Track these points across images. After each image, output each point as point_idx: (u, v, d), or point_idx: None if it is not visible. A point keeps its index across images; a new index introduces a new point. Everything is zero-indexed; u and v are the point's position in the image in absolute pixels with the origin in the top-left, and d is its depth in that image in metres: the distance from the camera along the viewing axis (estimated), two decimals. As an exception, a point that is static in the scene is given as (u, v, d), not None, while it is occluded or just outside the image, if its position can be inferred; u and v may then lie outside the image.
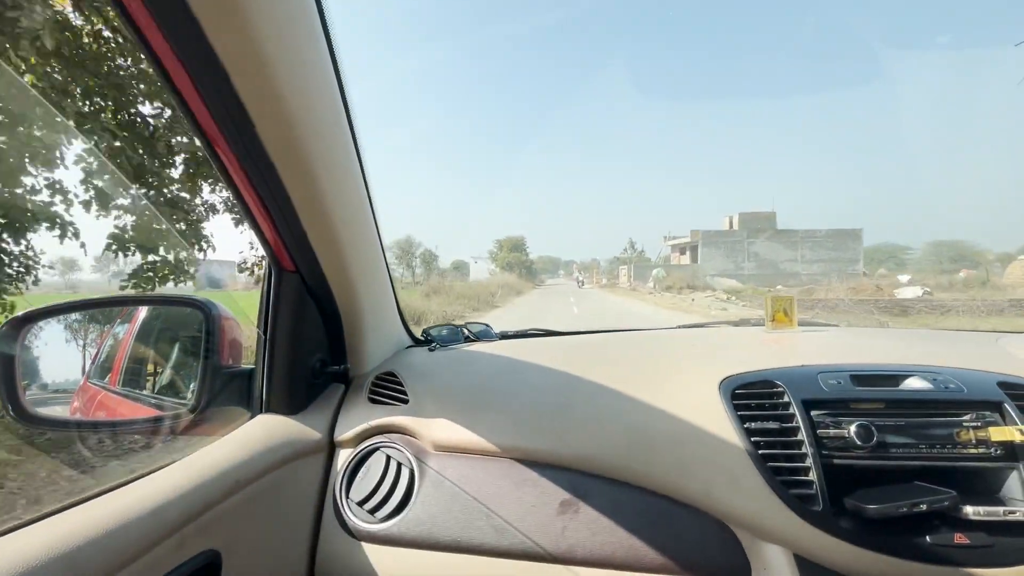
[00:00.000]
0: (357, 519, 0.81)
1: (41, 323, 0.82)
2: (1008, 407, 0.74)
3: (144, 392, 1.06)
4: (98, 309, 1.03)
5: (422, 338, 1.21)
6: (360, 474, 0.85)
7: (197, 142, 0.64)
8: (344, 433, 0.90)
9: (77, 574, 0.51)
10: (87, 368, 1.14)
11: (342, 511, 0.82)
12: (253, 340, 0.92)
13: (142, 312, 1.07)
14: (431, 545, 0.76)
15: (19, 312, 0.79)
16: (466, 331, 1.22)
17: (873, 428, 0.72)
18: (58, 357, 0.95)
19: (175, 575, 0.62)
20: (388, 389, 0.96)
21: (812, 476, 0.70)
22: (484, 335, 1.23)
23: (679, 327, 1.38)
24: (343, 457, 0.88)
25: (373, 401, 0.94)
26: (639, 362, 0.97)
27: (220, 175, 0.68)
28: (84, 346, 1.09)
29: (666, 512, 0.74)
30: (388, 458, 0.85)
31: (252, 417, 0.89)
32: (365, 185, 0.86)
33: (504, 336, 1.27)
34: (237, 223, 3.95)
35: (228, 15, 0.50)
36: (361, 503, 0.81)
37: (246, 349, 0.96)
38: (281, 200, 0.71)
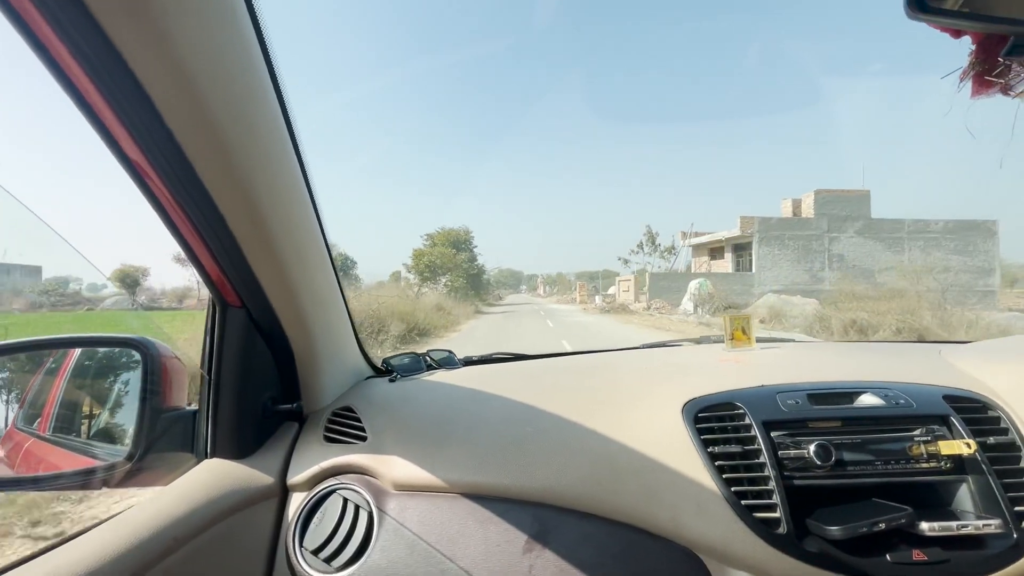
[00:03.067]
0: (311, 569, 0.75)
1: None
2: (954, 420, 0.77)
3: (77, 439, 0.97)
4: (25, 352, 0.94)
5: (382, 368, 1.17)
6: (315, 520, 0.80)
7: (128, 176, 0.59)
8: (297, 476, 0.85)
9: None
10: (13, 414, 1.05)
11: (294, 562, 0.77)
12: (198, 379, 0.86)
13: (76, 352, 0.99)
14: None
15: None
16: (428, 359, 1.19)
17: (831, 447, 0.73)
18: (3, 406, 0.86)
19: None
20: (345, 426, 0.91)
21: (775, 499, 0.70)
22: (447, 363, 1.20)
23: (643, 347, 1.39)
24: (297, 502, 0.83)
25: (329, 439, 0.89)
26: (604, 387, 0.96)
27: (154, 209, 0.64)
28: (9, 391, 1.00)
29: (634, 543, 0.72)
30: (345, 501, 0.80)
31: (197, 463, 0.83)
32: (315, 211, 0.82)
33: (468, 362, 1.25)
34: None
35: (152, 46, 0.47)
36: (316, 551, 0.76)
37: (191, 389, 0.90)
38: (222, 234, 0.67)
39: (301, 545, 0.78)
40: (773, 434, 0.76)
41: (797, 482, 0.73)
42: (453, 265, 32.01)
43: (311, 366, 0.92)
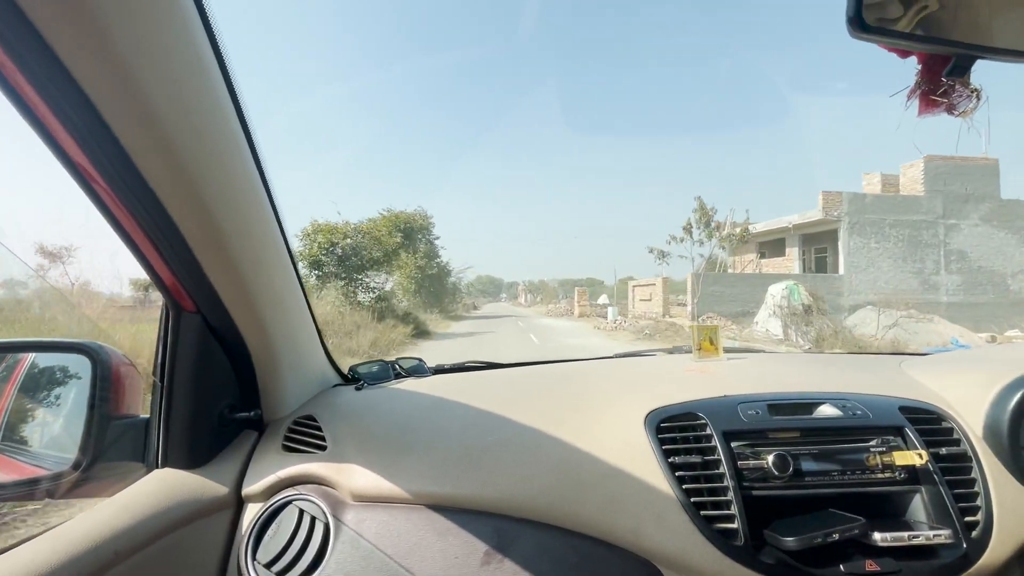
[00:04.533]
0: None
1: None
2: (908, 431, 0.78)
3: (25, 448, 0.94)
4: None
5: (349, 376, 1.15)
6: (270, 532, 0.78)
7: (70, 177, 0.58)
8: (252, 486, 0.82)
9: None
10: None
11: (245, 575, 0.75)
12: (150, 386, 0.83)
13: (28, 358, 0.95)
14: None
15: None
16: (397, 367, 1.17)
17: (789, 457, 0.74)
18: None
19: None
20: (305, 435, 0.89)
21: (733, 510, 0.70)
22: (417, 371, 1.19)
23: (614, 356, 1.39)
24: (251, 513, 0.81)
25: (288, 449, 0.87)
26: (571, 396, 0.96)
27: (100, 212, 0.62)
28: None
29: (593, 555, 0.72)
30: (301, 512, 0.78)
31: (147, 473, 0.80)
32: (275, 212, 0.81)
33: (438, 371, 1.24)
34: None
35: (89, 45, 0.46)
36: (268, 565, 0.74)
37: (144, 396, 0.87)
38: (172, 238, 0.66)
39: (254, 559, 0.76)
40: (733, 444, 0.77)
41: (755, 492, 0.73)
42: (396, 259, 19.75)
43: (271, 373, 0.90)
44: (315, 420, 0.92)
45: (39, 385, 0.95)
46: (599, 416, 0.87)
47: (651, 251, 20.65)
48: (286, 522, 0.78)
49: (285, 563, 0.74)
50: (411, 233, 22.08)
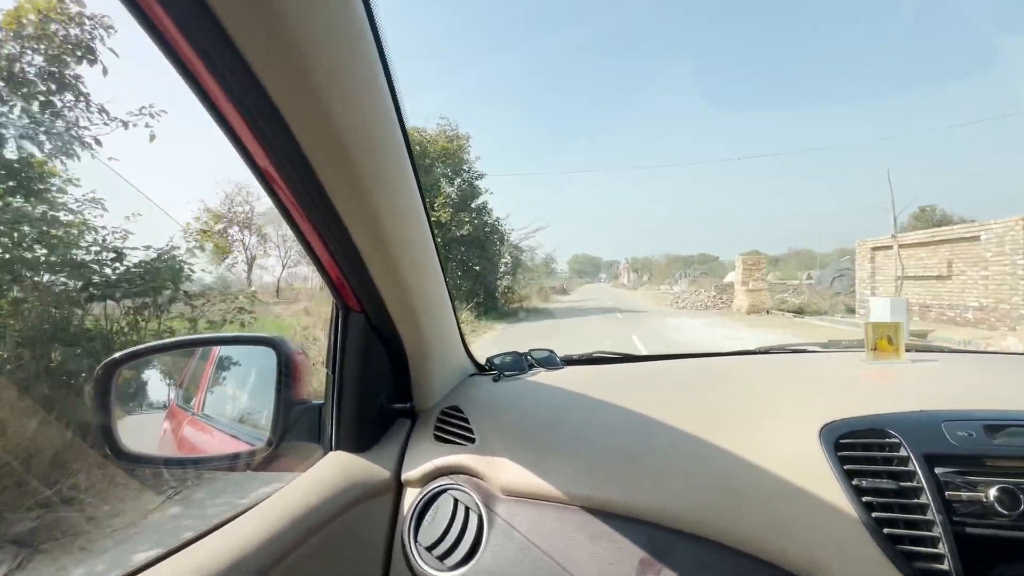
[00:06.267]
0: (426, 565, 0.78)
1: (129, 365, 0.86)
2: None
3: (224, 421, 1.10)
4: (180, 350, 1.08)
5: (485, 366, 1.18)
6: (428, 517, 0.83)
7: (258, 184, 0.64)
8: (410, 472, 0.88)
9: None
10: (174, 397, 1.21)
11: (411, 555, 0.81)
12: (322, 375, 0.92)
13: (220, 349, 1.11)
14: None
15: (109, 357, 0.84)
16: (530, 358, 1.18)
17: (1020, 493, 0.61)
18: (148, 392, 1.01)
19: None
20: (453, 425, 0.94)
21: (942, 548, 0.60)
22: (548, 362, 1.19)
23: (762, 351, 1.27)
24: (410, 497, 0.87)
25: (439, 439, 0.92)
26: (722, 400, 0.89)
27: (283, 216, 0.68)
28: (170, 377, 1.15)
29: None
30: (456, 502, 0.82)
31: (324, 454, 0.89)
32: (428, 219, 0.84)
33: (569, 362, 1.22)
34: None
35: (280, 58, 0.49)
36: (430, 548, 0.79)
37: (315, 384, 0.97)
38: (345, 243, 0.71)
39: (416, 540, 0.81)
40: (938, 471, 0.65)
41: (970, 531, 0.62)
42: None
43: (422, 367, 0.96)
44: (461, 411, 0.96)
45: (232, 370, 1.10)
46: (759, 424, 0.80)
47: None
48: (443, 509, 0.83)
49: (444, 548, 0.78)
50: (431, 168, 13.74)
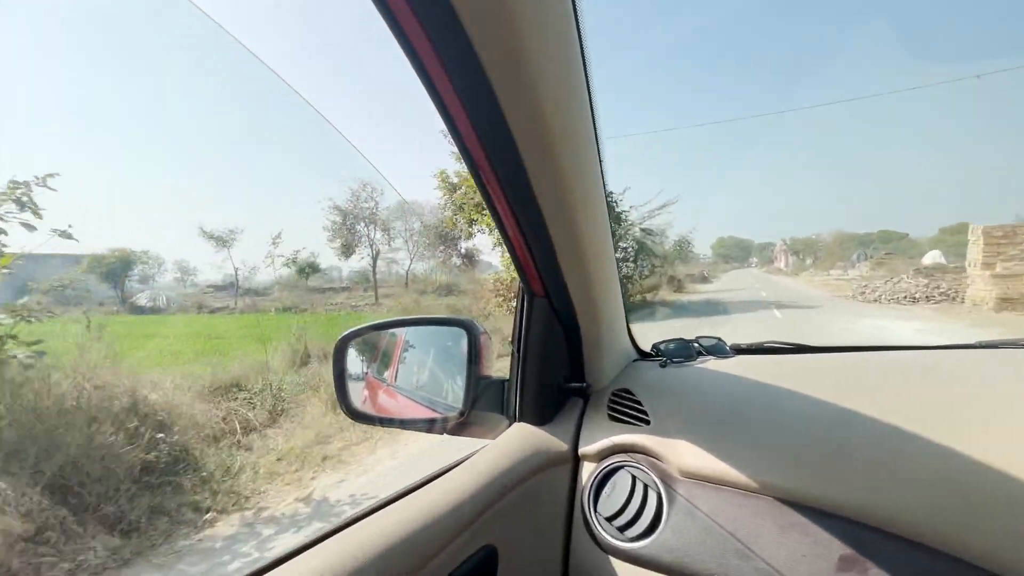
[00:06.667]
0: (606, 534, 0.83)
1: (356, 339, 1.04)
2: None
3: (418, 391, 1.27)
4: (391, 328, 1.27)
5: (651, 352, 1.19)
6: (606, 491, 0.88)
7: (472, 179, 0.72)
8: (587, 447, 0.93)
9: (399, 565, 0.63)
10: (367, 369, 1.42)
11: (591, 524, 0.86)
12: (503, 353, 1.02)
13: (408, 330, 1.28)
14: (683, 575, 0.74)
15: (344, 332, 1.02)
16: (697, 345, 1.16)
17: None
18: (360, 363, 1.21)
19: (467, 565, 0.72)
20: (625, 406, 0.97)
21: None
22: (717, 350, 1.15)
23: (984, 345, 1.08)
24: (587, 470, 0.92)
25: (613, 418, 0.96)
26: (941, 396, 0.79)
27: (487, 206, 0.77)
28: (367, 352, 1.36)
29: None
30: (634, 478, 0.85)
31: (509, 425, 0.98)
32: (605, 196, 0.87)
33: (739, 351, 1.17)
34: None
35: (510, 66, 0.54)
36: (609, 519, 0.83)
37: (497, 361, 1.07)
38: (540, 234, 0.77)
39: (595, 510, 0.86)
40: None
41: None
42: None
43: (596, 349, 1.00)
44: (631, 393, 0.98)
45: (419, 348, 1.26)
46: (984, 427, 0.70)
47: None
48: (621, 484, 0.86)
49: (625, 520, 0.82)
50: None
